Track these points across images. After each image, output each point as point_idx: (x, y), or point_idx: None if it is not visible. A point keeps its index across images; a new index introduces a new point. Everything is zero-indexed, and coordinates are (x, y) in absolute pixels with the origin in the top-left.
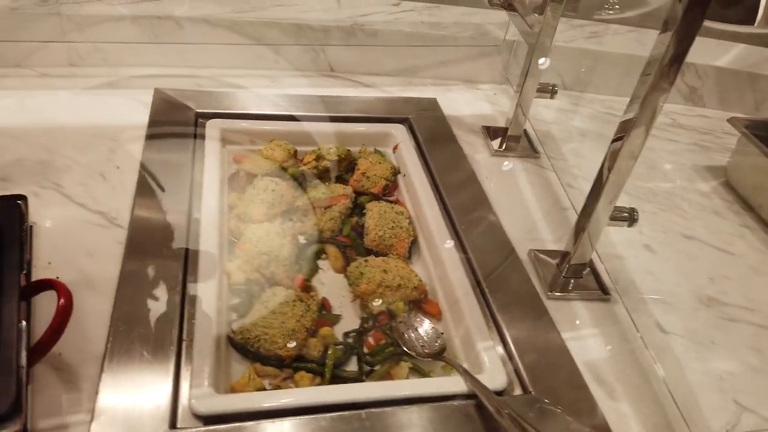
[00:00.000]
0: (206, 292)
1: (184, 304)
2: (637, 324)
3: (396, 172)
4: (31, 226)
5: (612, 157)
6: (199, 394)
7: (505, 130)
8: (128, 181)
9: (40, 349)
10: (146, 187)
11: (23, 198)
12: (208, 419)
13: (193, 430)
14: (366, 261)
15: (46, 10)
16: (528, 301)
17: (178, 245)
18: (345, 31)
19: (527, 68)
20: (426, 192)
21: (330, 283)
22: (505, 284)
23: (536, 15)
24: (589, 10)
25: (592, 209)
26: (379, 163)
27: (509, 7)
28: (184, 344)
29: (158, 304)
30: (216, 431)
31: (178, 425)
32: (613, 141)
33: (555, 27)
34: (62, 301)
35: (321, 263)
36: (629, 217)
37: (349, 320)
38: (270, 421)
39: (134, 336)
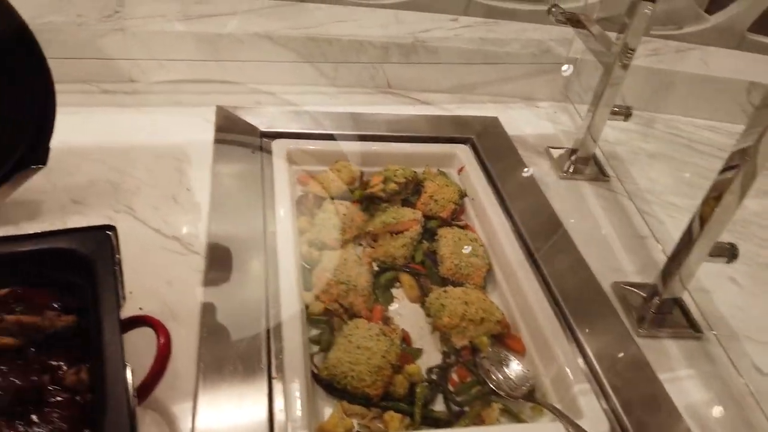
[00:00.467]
0: (289, 324)
1: (269, 337)
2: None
3: (463, 195)
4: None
5: (717, 190)
6: None
7: (572, 151)
8: (200, 204)
9: (143, 393)
10: (219, 210)
11: (113, 228)
12: None
13: None
14: (446, 292)
15: (110, 26)
16: (619, 338)
17: (256, 274)
18: (405, 48)
19: (602, 90)
20: (498, 217)
21: (406, 314)
22: (592, 319)
23: (608, 33)
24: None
25: (690, 246)
26: (447, 185)
27: (577, 24)
28: (273, 381)
29: (243, 336)
30: None
31: None
32: (722, 172)
33: (636, 47)
34: (162, 340)
35: (394, 291)
36: (729, 253)
37: (430, 354)
38: None
39: (224, 373)
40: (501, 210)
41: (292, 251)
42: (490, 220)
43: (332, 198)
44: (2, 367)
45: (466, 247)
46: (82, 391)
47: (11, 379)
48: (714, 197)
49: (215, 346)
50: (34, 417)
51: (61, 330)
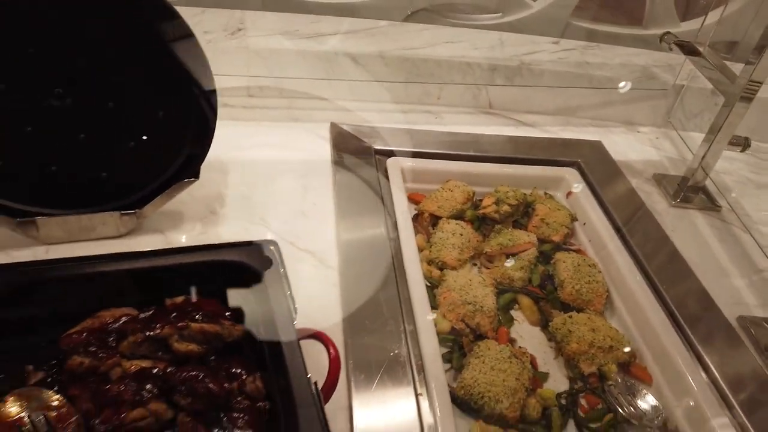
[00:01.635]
0: (426, 342)
1: (409, 353)
2: None
3: (574, 218)
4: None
5: None
6: None
7: (682, 179)
8: (327, 219)
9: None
10: (345, 225)
11: (275, 243)
12: None
13: None
14: (571, 317)
15: (236, 44)
16: (751, 372)
17: (389, 291)
18: (510, 70)
19: (722, 121)
20: (614, 242)
21: (527, 337)
22: (722, 351)
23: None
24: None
25: None
26: (558, 209)
27: (691, 52)
28: (419, 398)
29: (386, 351)
30: None
31: None
32: None
33: (764, 80)
34: (333, 353)
35: (513, 314)
36: None
37: (556, 379)
38: None
39: (373, 387)
40: (616, 235)
41: (417, 268)
42: (605, 245)
43: (448, 218)
44: (196, 373)
45: (587, 272)
46: (260, 398)
47: (207, 384)
48: None
49: (362, 359)
50: (224, 421)
51: (236, 339)
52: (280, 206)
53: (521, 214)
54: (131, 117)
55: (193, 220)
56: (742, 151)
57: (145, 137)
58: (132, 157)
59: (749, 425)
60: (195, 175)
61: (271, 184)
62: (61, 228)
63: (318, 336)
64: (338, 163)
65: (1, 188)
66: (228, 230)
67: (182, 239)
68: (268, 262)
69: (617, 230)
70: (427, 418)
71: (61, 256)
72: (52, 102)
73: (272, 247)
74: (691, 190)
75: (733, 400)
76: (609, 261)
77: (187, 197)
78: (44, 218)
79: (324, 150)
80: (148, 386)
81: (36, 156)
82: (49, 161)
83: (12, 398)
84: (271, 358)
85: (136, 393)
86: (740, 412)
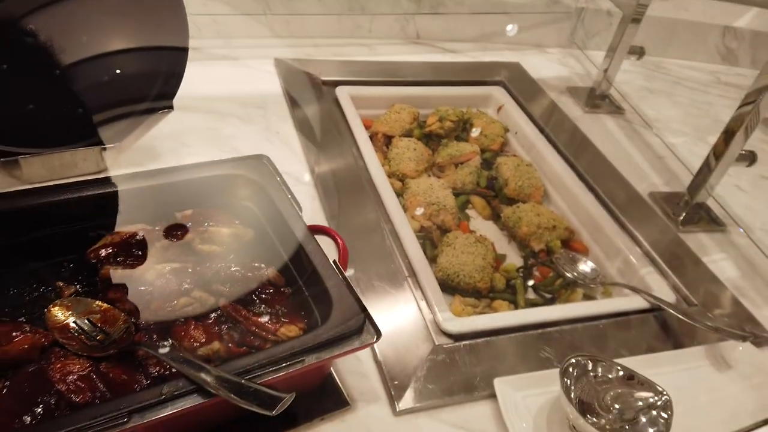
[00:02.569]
0: (405, 237)
1: (392, 247)
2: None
3: (506, 130)
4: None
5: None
6: (446, 317)
7: (591, 90)
8: (293, 145)
9: None
10: (311, 148)
11: (267, 157)
12: (457, 336)
13: (451, 345)
14: (518, 207)
15: None
16: (665, 233)
17: (366, 200)
18: (435, 0)
19: (621, 35)
20: (543, 145)
21: (482, 229)
22: (640, 220)
23: None
24: None
25: (720, 155)
26: (493, 122)
27: None
28: (409, 280)
29: (375, 245)
30: (468, 345)
31: (436, 343)
32: (742, 106)
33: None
34: (341, 242)
35: (468, 212)
36: (750, 158)
37: (512, 258)
38: (502, 336)
39: (372, 275)
40: (544, 138)
41: (384, 180)
42: (536, 148)
43: (401, 136)
44: (228, 264)
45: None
46: (281, 286)
47: (242, 271)
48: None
49: (355, 256)
50: (256, 302)
51: (249, 239)
52: (246, 136)
53: (461, 129)
54: (105, 51)
55: (167, 153)
56: (639, 58)
57: (118, 71)
58: (107, 92)
59: (669, 271)
60: (169, 106)
61: (233, 118)
62: (44, 166)
63: (324, 230)
64: (290, 94)
65: None
66: (202, 159)
67: None
68: (266, 172)
69: (544, 135)
70: (418, 295)
71: None
72: (26, 39)
73: (265, 161)
74: (598, 98)
75: (654, 254)
76: (541, 160)
77: (157, 133)
78: (27, 157)
79: (273, 83)
80: (188, 280)
81: (13, 94)
82: (27, 100)
83: (55, 308)
84: (287, 250)
85: (179, 285)
86: (661, 262)
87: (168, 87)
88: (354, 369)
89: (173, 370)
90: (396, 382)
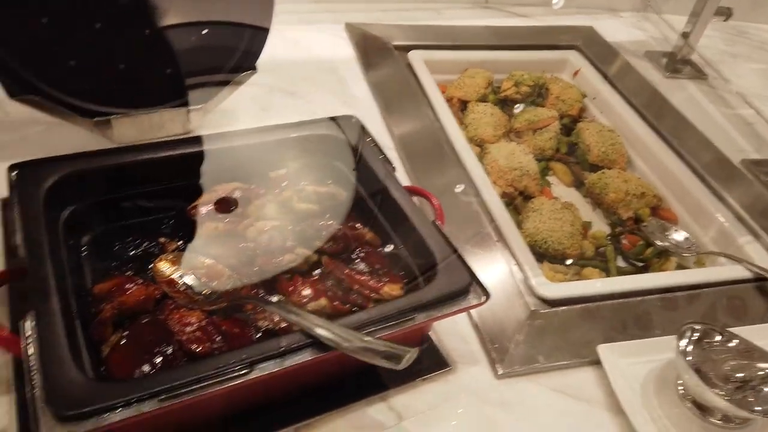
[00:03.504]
0: (490, 199)
1: (479, 213)
2: None
3: (584, 95)
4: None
5: None
6: (540, 282)
7: (671, 54)
8: (370, 108)
9: None
10: (388, 112)
11: (355, 117)
12: (553, 302)
13: (548, 310)
14: (604, 173)
15: None
16: (760, 199)
17: (446, 161)
18: None
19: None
20: (625, 110)
21: (564, 196)
22: (734, 187)
23: None
24: None
25: None
26: (570, 87)
27: None
28: (499, 245)
29: (461, 210)
30: (566, 311)
31: (532, 308)
32: None
33: None
34: (436, 203)
35: (549, 179)
36: None
37: (597, 227)
38: (599, 303)
39: (461, 239)
40: (625, 103)
41: (465, 145)
42: (617, 113)
43: (477, 101)
44: (330, 223)
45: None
46: (377, 246)
47: (344, 231)
48: None
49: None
50: (358, 261)
51: (345, 199)
52: (323, 100)
53: (537, 94)
54: (194, 11)
55: (248, 116)
56: (726, 20)
57: (205, 31)
58: (194, 55)
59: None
60: (252, 68)
61: (307, 82)
62: (134, 126)
63: (417, 191)
64: (362, 58)
65: (78, 89)
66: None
67: None
68: (356, 132)
69: (624, 100)
70: (509, 260)
71: None
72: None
73: (354, 121)
74: (679, 63)
75: (752, 222)
76: (623, 126)
77: (238, 97)
78: (119, 117)
79: (345, 48)
80: (290, 237)
81: (106, 54)
82: (120, 60)
83: (161, 263)
84: (384, 210)
85: (283, 242)
86: (761, 231)
87: (253, 46)
88: (451, 331)
89: (282, 325)
90: (496, 346)
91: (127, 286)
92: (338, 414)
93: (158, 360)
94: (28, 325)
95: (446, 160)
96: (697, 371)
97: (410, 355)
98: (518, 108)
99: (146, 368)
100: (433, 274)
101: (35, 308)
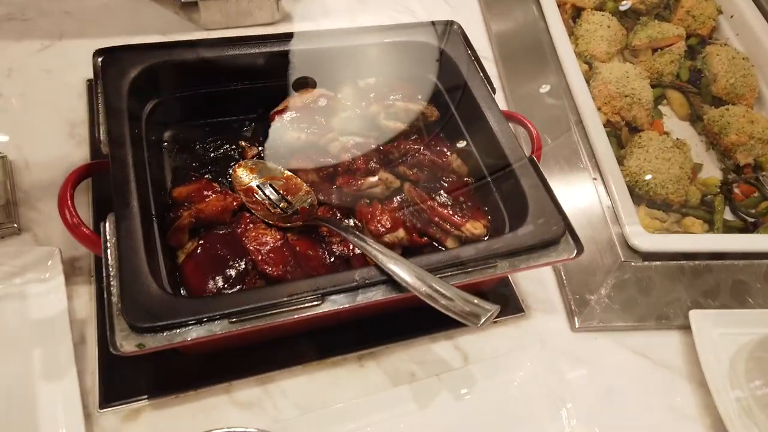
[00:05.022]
0: (594, 131)
1: (579, 142)
2: None
3: (720, 11)
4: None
5: None
6: (635, 231)
7: None
8: (472, 8)
9: None
10: (492, 15)
11: (457, 24)
12: (647, 255)
13: (640, 263)
14: (728, 110)
15: None
16: None
17: (549, 78)
18: None
19: None
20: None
21: (676, 131)
22: None
23: None
24: None
25: None
26: (704, 0)
27: None
28: (595, 183)
29: (558, 136)
30: (659, 267)
31: (623, 258)
32: None
33: None
34: (534, 132)
35: (662, 109)
36: None
37: (709, 170)
38: (698, 262)
39: (554, 170)
40: None
41: (573, 62)
42: (756, 37)
43: (593, 9)
44: (417, 146)
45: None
46: (464, 174)
47: (431, 156)
48: None
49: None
50: (442, 192)
51: (436, 119)
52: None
53: (664, 6)
54: None
55: (341, 8)
56: None
57: None
58: None
59: None
60: None
61: None
62: (221, 11)
63: (516, 118)
64: None
65: None
66: (376, 18)
67: (335, 26)
68: (456, 42)
69: None
70: (605, 201)
71: None
72: None
73: (456, 28)
74: None
75: None
76: (761, 54)
77: None
78: (206, 1)
79: None
80: (374, 158)
81: None
82: None
83: (240, 169)
84: (476, 137)
85: (365, 163)
86: None
87: None
88: (530, 274)
89: (357, 251)
90: (577, 296)
91: (205, 192)
92: (402, 346)
93: (232, 273)
94: (109, 228)
95: (547, 74)
96: None
97: (491, 313)
98: (641, 21)
99: (219, 281)
100: (521, 217)
101: (116, 211)
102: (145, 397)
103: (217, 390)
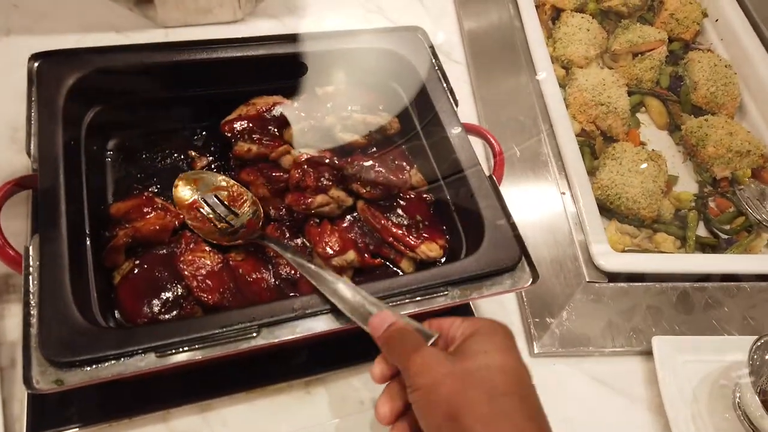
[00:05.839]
0: (565, 143)
1: (548, 153)
2: None
3: (705, 14)
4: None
5: None
6: (601, 251)
7: None
8: (446, 8)
9: None
10: (466, 14)
11: (421, 30)
12: (612, 275)
13: (605, 284)
14: (707, 120)
15: None
16: None
17: (521, 87)
18: None
19: None
20: (752, 40)
21: (654, 140)
22: None
23: None
24: None
25: None
26: (689, 3)
27: None
28: (564, 198)
29: (527, 146)
30: (624, 288)
31: (587, 279)
32: None
33: None
34: (497, 147)
35: (640, 117)
36: None
37: (685, 182)
38: (665, 284)
39: (520, 180)
40: (754, 34)
41: (548, 66)
42: (743, 47)
43: (573, 11)
44: (372, 163)
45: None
46: (425, 192)
47: (387, 174)
48: None
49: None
50: (396, 209)
51: (396, 132)
52: None
53: (647, 8)
54: None
55: (306, 5)
56: None
57: None
58: None
59: None
60: None
61: None
62: (178, 8)
63: (479, 131)
64: None
65: None
66: (345, 17)
67: (299, 26)
68: (420, 49)
69: (757, 30)
70: (572, 216)
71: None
72: None
73: (420, 35)
74: None
75: None
76: (744, 61)
77: None
78: None
79: None
80: (326, 174)
81: None
82: None
83: (181, 182)
84: (436, 152)
85: (317, 180)
86: None
87: None
88: None
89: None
90: (537, 319)
91: (145, 209)
92: (353, 371)
93: (169, 298)
94: (32, 251)
95: (520, 78)
96: (763, 393)
97: (434, 339)
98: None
99: (155, 306)
100: (477, 240)
101: (42, 233)
102: (77, 426)
103: (154, 418)
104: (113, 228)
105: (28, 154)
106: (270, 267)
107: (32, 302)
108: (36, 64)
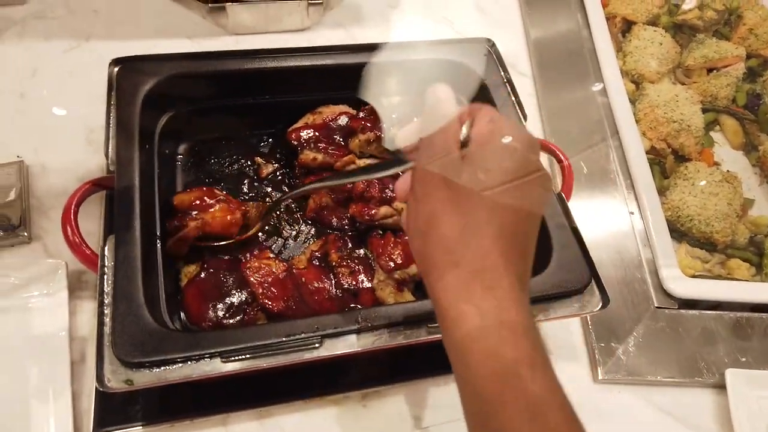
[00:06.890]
0: (635, 161)
1: (617, 171)
2: None
3: None
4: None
5: None
6: (672, 275)
7: None
8: (512, 18)
9: None
10: (532, 24)
11: (491, 42)
12: (683, 302)
13: (675, 311)
14: None
15: None
16: None
17: (589, 98)
18: None
19: None
20: None
21: (728, 161)
22: None
23: None
24: None
25: None
26: None
27: None
28: (632, 218)
29: (595, 163)
30: (697, 316)
31: (656, 304)
32: None
33: None
34: (566, 162)
35: (714, 135)
36: None
37: (761, 206)
38: (742, 313)
39: (587, 201)
40: None
41: (618, 81)
42: None
43: (645, 24)
44: None
45: None
46: None
47: None
48: None
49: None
50: None
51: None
52: (457, 2)
53: (724, 22)
54: None
55: (374, 15)
56: None
57: None
58: None
59: None
60: None
61: None
62: (250, 16)
63: (546, 146)
64: None
65: None
66: (411, 27)
67: (366, 35)
68: (489, 63)
69: None
70: (641, 237)
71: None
72: None
73: (490, 47)
74: None
75: None
76: None
77: None
78: (234, 5)
79: None
80: (391, 186)
81: None
82: None
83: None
84: None
85: (381, 191)
86: None
87: None
88: None
89: (365, 285)
90: (602, 344)
91: (208, 200)
92: (411, 387)
93: (234, 302)
94: (108, 252)
95: (587, 90)
96: None
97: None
98: (697, 39)
99: (220, 310)
100: (546, 259)
101: (117, 235)
102: (140, 424)
103: (214, 421)
104: (180, 219)
105: (106, 155)
106: (332, 277)
107: (106, 302)
108: (116, 69)
